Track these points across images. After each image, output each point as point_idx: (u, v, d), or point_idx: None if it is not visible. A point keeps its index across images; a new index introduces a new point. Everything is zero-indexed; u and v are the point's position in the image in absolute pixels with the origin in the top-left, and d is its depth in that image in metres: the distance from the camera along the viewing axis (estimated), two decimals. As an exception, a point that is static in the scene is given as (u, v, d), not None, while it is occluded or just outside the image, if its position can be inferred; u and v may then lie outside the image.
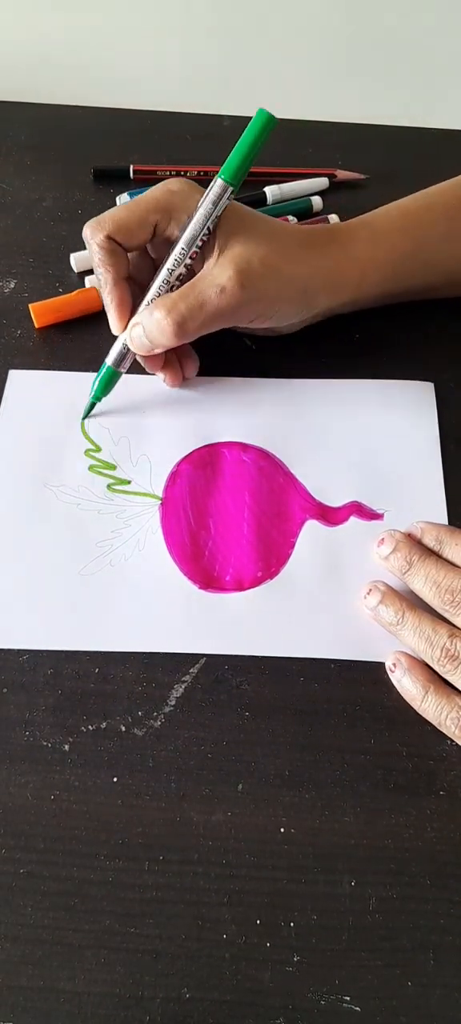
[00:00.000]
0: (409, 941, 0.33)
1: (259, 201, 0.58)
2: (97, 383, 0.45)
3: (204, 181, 0.60)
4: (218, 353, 0.48)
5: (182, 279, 0.43)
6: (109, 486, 0.44)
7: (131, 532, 0.42)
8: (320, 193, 0.59)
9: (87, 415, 0.46)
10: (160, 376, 0.47)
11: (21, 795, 0.35)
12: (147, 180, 0.59)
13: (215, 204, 0.42)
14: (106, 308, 0.45)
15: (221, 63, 0.77)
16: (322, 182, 0.60)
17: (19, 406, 0.47)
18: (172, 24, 0.75)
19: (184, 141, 0.63)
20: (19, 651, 0.39)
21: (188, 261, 0.42)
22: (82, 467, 0.45)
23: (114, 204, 0.58)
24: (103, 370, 0.45)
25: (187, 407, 0.47)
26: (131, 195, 0.57)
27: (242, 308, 0.43)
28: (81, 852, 0.34)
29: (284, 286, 0.44)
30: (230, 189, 0.41)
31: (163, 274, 0.43)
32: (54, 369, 0.49)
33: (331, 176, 0.60)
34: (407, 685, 0.37)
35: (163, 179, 0.59)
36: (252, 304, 0.43)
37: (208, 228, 0.42)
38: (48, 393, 0.47)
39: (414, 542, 0.40)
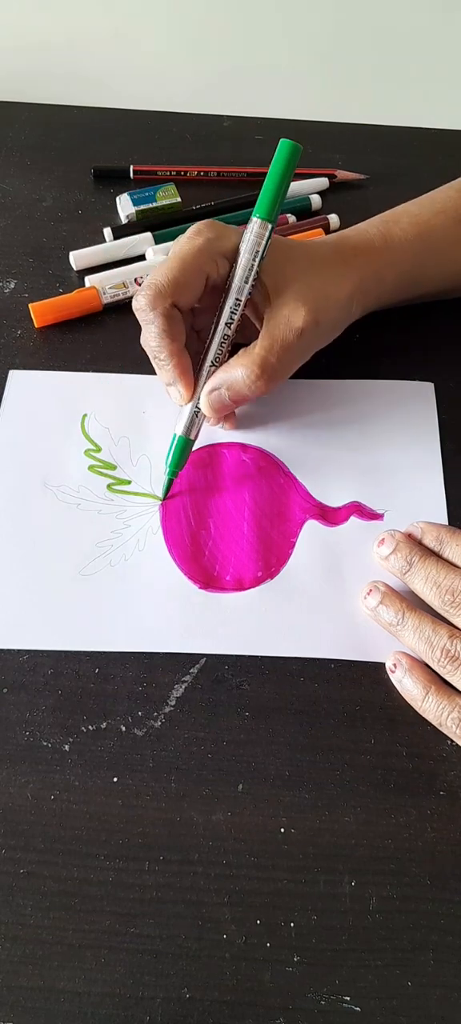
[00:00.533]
0: (409, 941, 0.33)
1: (259, 201, 0.58)
2: (171, 458, 0.43)
3: (204, 181, 0.60)
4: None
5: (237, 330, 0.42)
6: (109, 486, 0.44)
7: (131, 532, 0.42)
8: (320, 193, 0.59)
9: (166, 495, 0.44)
10: (222, 426, 0.46)
11: (21, 795, 0.35)
12: (147, 180, 0.59)
13: (257, 245, 0.41)
14: (168, 380, 0.42)
15: (221, 63, 0.77)
16: (322, 182, 0.60)
17: (19, 406, 0.47)
18: (172, 24, 0.75)
19: (184, 141, 0.63)
20: (19, 651, 0.39)
21: (240, 313, 0.42)
22: (82, 467, 0.45)
23: (114, 204, 0.58)
24: (175, 441, 0.43)
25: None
26: (131, 195, 0.57)
27: (317, 342, 0.43)
28: (81, 852, 0.34)
29: (339, 307, 0.44)
30: (269, 227, 0.41)
31: (221, 330, 0.42)
32: (54, 369, 0.49)
33: (331, 176, 0.60)
34: (408, 685, 0.37)
35: (163, 179, 0.59)
36: (324, 336, 0.43)
37: (256, 272, 0.41)
38: (48, 393, 0.47)
39: (414, 542, 0.40)
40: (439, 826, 0.35)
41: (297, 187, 0.59)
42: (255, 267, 0.41)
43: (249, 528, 0.43)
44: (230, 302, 0.42)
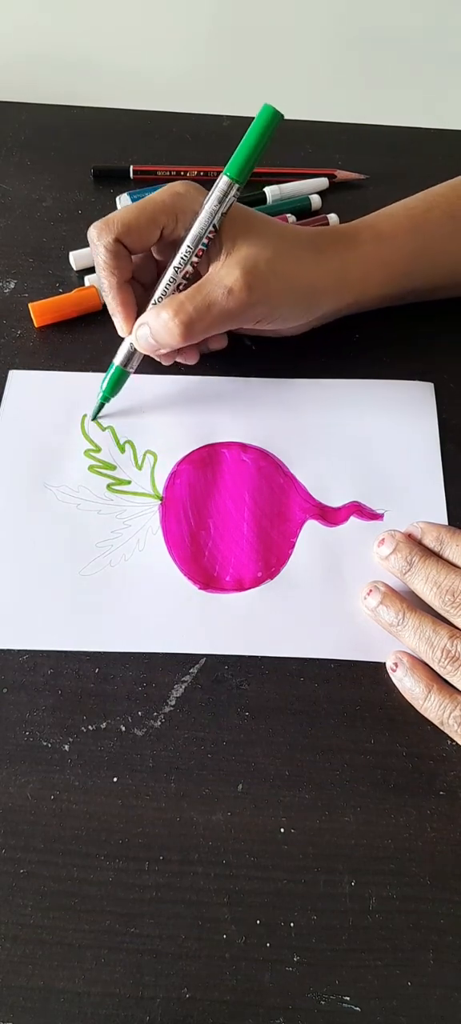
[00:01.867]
0: (409, 941, 0.33)
1: (259, 201, 0.58)
2: (106, 383, 0.45)
3: (204, 181, 0.60)
4: (218, 353, 0.48)
5: (189, 278, 0.43)
6: (109, 486, 0.44)
7: (131, 532, 0.42)
8: (320, 193, 0.59)
9: (96, 415, 0.46)
10: (170, 362, 0.47)
11: (21, 795, 0.35)
12: (147, 180, 0.59)
13: (221, 201, 0.42)
14: (111, 311, 0.45)
15: (221, 63, 0.77)
16: (322, 182, 0.60)
17: (19, 406, 0.47)
18: (172, 24, 0.75)
19: (184, 141, 0.63)
20: (19, 651, 0.39)
21: (194, 260, 0.43)
22: (82, 467, 0.45)
23: (114, 204, 0.58)
24: (111, 370, 0.45)
25: (187, 407, 0.47)
26: (131, 195, 0.57)
27: (249, 310, 0.43)
28: (81, 852, 0.34)
29: (290, 288, 0.44)
30: (236, 186, 0.42)
31: (170, 273, 0.43)
32: (54, 369, 0.49)
33: (331, 176, 0.60)
34: (409, 685, 0.37)
35: (163, 179, 0.59)
36: (258, 306, 0.43)
37: (214, 226, 0.42)
38: (48, 393, 0.47)
39: (414, 542, 0.40)
40: (439, 826, 0.35)
41: (297, 187, 0.59)
42: (213, 222, 0.42)
43: (249, 528, 0.43)
44: (182, 249, 0.43)
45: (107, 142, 0.62)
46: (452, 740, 0.37)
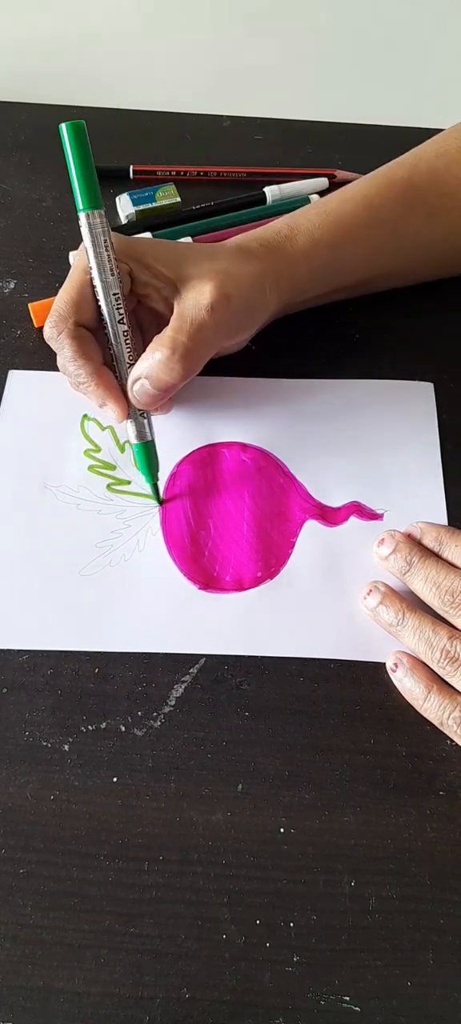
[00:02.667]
0: (409, 941, 0.33)
1: (259, 201, 0.58)
2: (143, 469, 0.43)
3: (204, 181, 0.60)
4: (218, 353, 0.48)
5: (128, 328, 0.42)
6: (109, 486, 0.44)
7: (131, 532, 0.42)
8: (320, 193, 0.59)
9: (160, 500, 0.43)
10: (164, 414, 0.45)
11: (21, 795, 0.35)
12: (147, 180, 0.59)
13: (96, 237, 0.40)
14: (98, 402, 0.42)
15: (221, 63, 0.77)
16: (322, 182, 0.60)
17: (19, 406, 0.47)
18: (172, 24, 0.75)
19: (184, 141, 0.63)
20: (19, 651, 0.39)
21: (124, 304, 0.41)
22: (82, 467, 0.45)
23: (114, 204, 0.58)
24: (136, 453, 0.43)
25: (187, 407, 0.47)
26: (131, 195, 0.57)
27: (231, 319, 0.42)
28: (81, 852, 0.34)
29: (251, 289, 0.43)
30: (96, 213, 0.40)
31: (116, 329, 0.41)
32: (54, 369, 0.48)
33: (331, 176, 0.60)
34: (409, 685, 0.37)
35: (163, 179, 0.59)
36: (236, 313, 0.42)
37: (110, 257, 0.40)
38: (48, 393, 0.47)
39: (414, 543, 0.40)
40: (439, 826, 0.35)
41: (297, 187, 0.59)
42: (108, 254, 0.40)
43: (249, 528, 0.43)
44: (107, 300, 0.41)
45: (107, 142, 0.62)
46: (452, 740, 0.37)
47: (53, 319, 0.41)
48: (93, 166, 0.41)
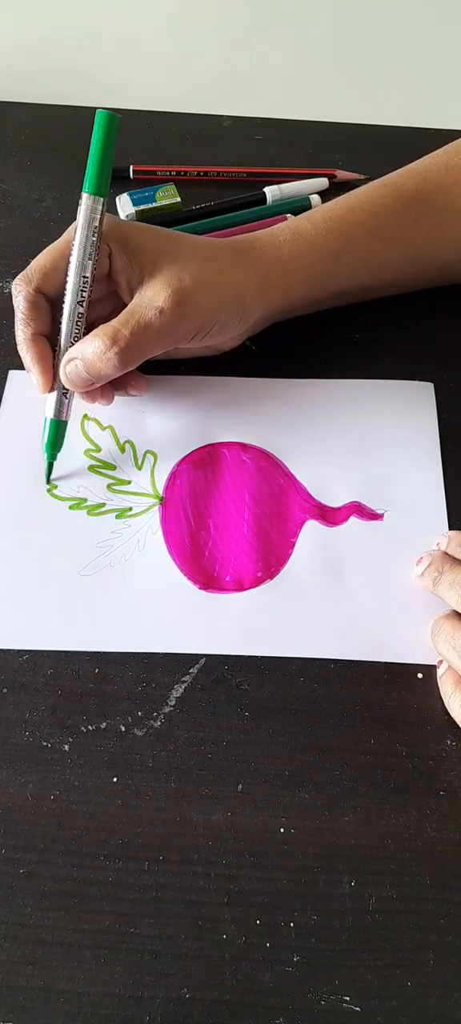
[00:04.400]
0: (409, 941, 0.33)
1: (259, 201, 0.58)
2: (46, 443, 0.43)
3: (204, 181, 0.60)
4: (218, 353, 0.48)
5: (85, 312, 0.42)
6: (109, 486, 0.44)
7: (131, 532, 0.42)
8: (320, 193, 0.59)
9: (49, 478, 0.44)
10: (97, 404, 0.45)
11: (21, 795, 0.35)
12: (147, 180, 0.59)
13: (93, 221, 0.41)
14: (26, 366, 0.43)
15: (221, 63, 0.77)
16: (322, 182, 0.60)
17: (19, 406, 0.47)
18: (172, 24, 0.75)
19: (184, 141, 0.63)
20: (19, 651, 0.39)
21: (90, 288, 0.42)
22: (82, 467, 0.45)
23: (114, 204, 0.58)
24: (47, 426, 0.43)
25: (187, 407, 0.47)
26: (131, 195, 0.57)
27: (181, 325, 0.42)
28: (81, 852, 0.34)
29: (219, 297, 0.43)
30: (101, 200, 0.41)
31: (73, 308, 0.42)
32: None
33: (331, 176, 0.60)
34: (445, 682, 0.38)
35: (163, 179, 0.59)
36: (190, 319, 0.42)
37: (94, 244, 0.41)
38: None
39: (447, 556, 0.40)
40: (439, 826, 0.35)
41: (297, 187, 0.59)
42: (94, 241, 0.41)
43: (249, 528, 0.43)
44: (75, 280, 0.42)
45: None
46: (452, 740, 0.37)
47: (20, 277, 0.43)
48: (112, 161, 0.41)
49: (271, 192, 0.59)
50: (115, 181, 0.59)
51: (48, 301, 0.43)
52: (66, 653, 0.39)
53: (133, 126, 0.64)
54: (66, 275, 0.42)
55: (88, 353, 0.41)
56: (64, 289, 0.42)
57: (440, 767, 0.36)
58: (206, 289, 0.42)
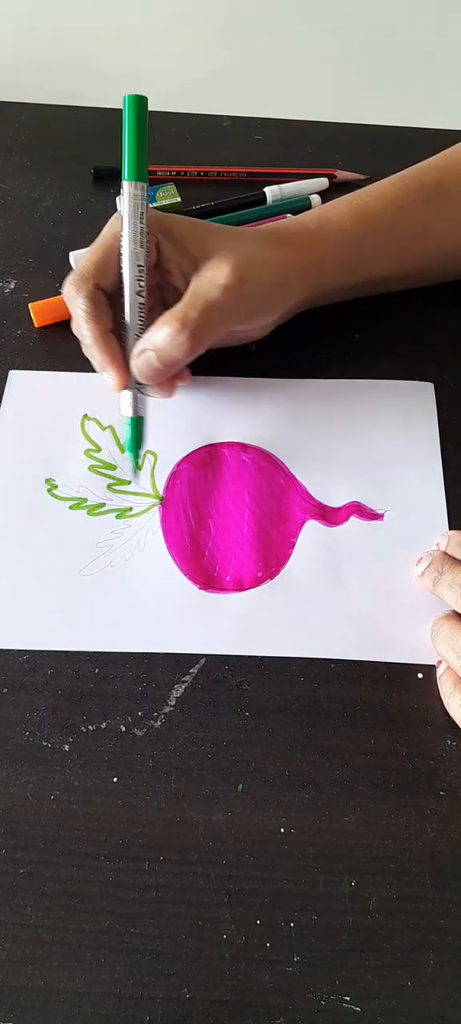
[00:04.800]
0: (409, 941, 0.33)
1: (259, 201, 0.58)
2: (128, 443, 0.43)
3: (204, 181, 0.60)
4: (218, 353, 0.48)
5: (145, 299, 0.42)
6: (109, 486, 0.44)
7: (131, 532, 0.42)
8: (320, 193, 0.59)
9: (135, 476, 0.44)
10: (170, 397, 0.44)
11: (21, 795, 0.35)
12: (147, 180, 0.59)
13: (138, 207, 0.41)
14: (99, 366, 0.42)
15: (221, 63, 0.77)
16: (322, 182, 0.60)
17: (19, 406, 0.47)
18: (172, 24, 0.75)
19: (184, 141, 0.63)
20: (19, 651, 0.39)
21: (146, 278, 0.42)
22: (82, 467, 0.45)
23: (114, 204, 0.58)
24: (128, 425, 0.43)
25: (187, 407, 0.47)
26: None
27: (243, 303, 0.42)
28: (81, 852, 0.34)
29: (270, 274, 0.44)
30: (142, 185, 0.41)
31: (133, 299, 0.41)
32: (54, 369, 0.49)
33: (331, 176, 0.60)
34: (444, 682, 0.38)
35: (163, 179, 0.59)
36: (252, 297, 0.43)
37: (143, 231, 0.41)
38: (48, 393, 0.47)
39: (447, 557, 0.40)
40: (439, 826, 0.35)
41: (297, 187, 0.59)
42: (142, 227, 0.41)
43: (249, 528, 0.43)
44: (131, 270, 0.41)
45: (107, 142, 0.62)
46: (452, 740, 0.37)
47: (74, 278, 0.42)
48: (146, 142, 0.41)
49: (271, 192, 0.59)
50: (115, 181, 0.59)
51: (106, 296, 0.42)
52: (66, 653, 0.39)
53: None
54: (119, 267, 0.42)
55: (159, 341, 0.40)
56: (120, 282, 0.42)
57: (440, 767, 0.36)
58: (259, 267, 0.43)
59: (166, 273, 0.44)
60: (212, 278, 0.41)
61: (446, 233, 0.50)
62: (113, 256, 0.42)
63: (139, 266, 0.41)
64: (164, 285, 0.44)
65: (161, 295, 0.44)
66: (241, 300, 0.42)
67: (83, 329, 0.41)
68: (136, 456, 0.43)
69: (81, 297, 0.41)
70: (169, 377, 0.42)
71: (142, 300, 0.42)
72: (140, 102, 0.41)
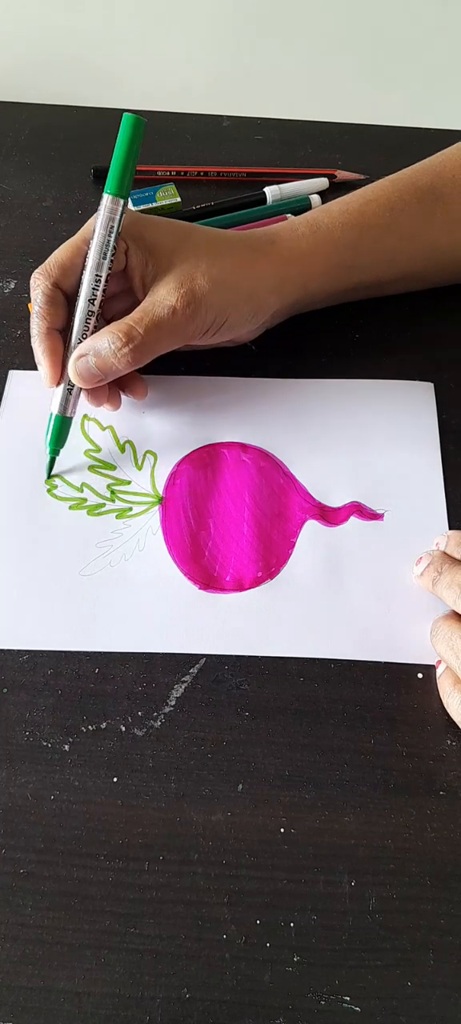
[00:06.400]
0: (409, 941, 0.33)
1: (259, 201, 0.58)
2: (50, 438, 0.43)
3: (204, 181, 0.60)
4: (218, 353, 0.48)
5: (102, 307, 0.43)
6: (109, 486, 0.44)
7: (131, 532, 0.42)
8: (320, 193, 0.59)
9: (50, 473, 0.44)
10: (103, 408, 0.45)
11: (21, 795, 0.35)
12: (147, 180, 0.59)
13: (111, 221, 0.41)
14: (36, 359, 0.43)
15: (221, 63, 0.77)
16: (322, 182, 0.60)
17: (19, 406, 0.47)
18: (173, 24, 0.75)
19: (184, 141, 0.63)
20: (19, 651, 0.39)
21: (104, 287, 0.42)
22: (82, 467, 0.45)
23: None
24: (51, 421, 0.43)
25: (187, 407, 0.47)
26: (131, 195, 0.57)
27: (191, 324, 0.43)
28: (81, 852, 0.34)
29: (230, 295, 0.44)
30: (121, 202, 0.42)
31: (84, 306, 0.42)
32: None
33: (331, 176, 0.60)
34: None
35: (163, 179, 0.59)
36: (201, 318, 0.43)
37: (110, 244, 0.42)
38: (48, 393, 0.47)
39: (446, 556, 0.40)
40: (439, 826, 0.35)
41: (297, 187, 0.59)
42: (111, 242, 0.42)
43: (249, 528, 0.43)
44: (89, 278, 0.42)
45: (107, 142, 0.62)
46: (452, 740, 0.37)
47: (39, 270, 0.43)
48: (135, 163, 0.42)
49: (271, 192, 0.59)
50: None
51: (65, 296, 0.43)
52: (66, 653, 0.39)
53: (133, 126, 0.64)
54: (82, 272, 0.42)
55: (101, 349, 0.41)
56: (80, 285, 0.43)
57: (440, 767, 0.36)
58: (218, 287, 0.43)
59: (129, 280, 0.44)
60: (163, 298, 0.42)
61: (439, 237, 0.50)
62: (80, 258, 0.43)
63: (97, 276, 0.42)
64: (131, 291, 0.44)
65: (131, 300, 0.44)
66: (189, 321, 0.42)
67: (32, 323, 0.43)
68: (54, 452, 0.44)
69: (38, 291, 0.42)
70: (103, 386, 0.43)
71: (93, 309, 0.42)
72: (137, 123, 0.41)
